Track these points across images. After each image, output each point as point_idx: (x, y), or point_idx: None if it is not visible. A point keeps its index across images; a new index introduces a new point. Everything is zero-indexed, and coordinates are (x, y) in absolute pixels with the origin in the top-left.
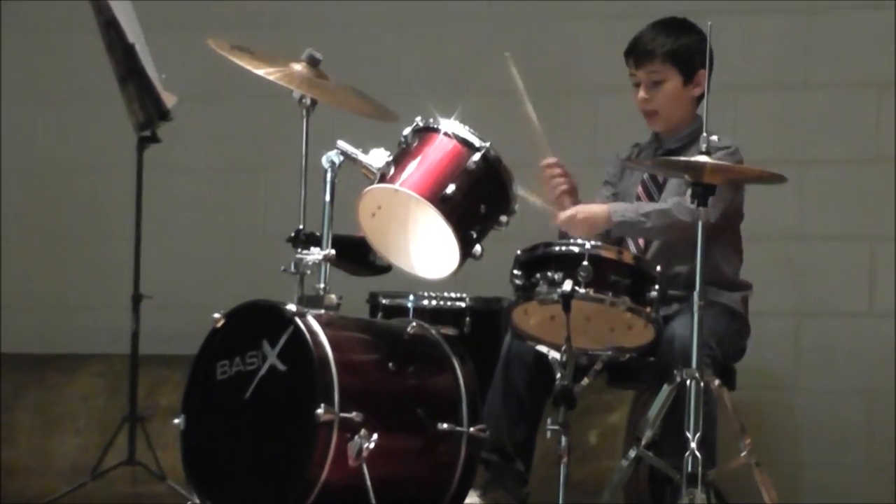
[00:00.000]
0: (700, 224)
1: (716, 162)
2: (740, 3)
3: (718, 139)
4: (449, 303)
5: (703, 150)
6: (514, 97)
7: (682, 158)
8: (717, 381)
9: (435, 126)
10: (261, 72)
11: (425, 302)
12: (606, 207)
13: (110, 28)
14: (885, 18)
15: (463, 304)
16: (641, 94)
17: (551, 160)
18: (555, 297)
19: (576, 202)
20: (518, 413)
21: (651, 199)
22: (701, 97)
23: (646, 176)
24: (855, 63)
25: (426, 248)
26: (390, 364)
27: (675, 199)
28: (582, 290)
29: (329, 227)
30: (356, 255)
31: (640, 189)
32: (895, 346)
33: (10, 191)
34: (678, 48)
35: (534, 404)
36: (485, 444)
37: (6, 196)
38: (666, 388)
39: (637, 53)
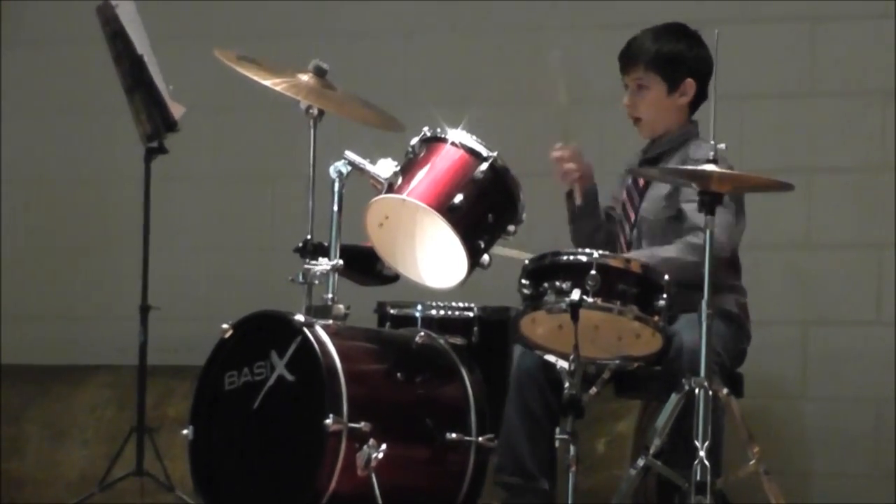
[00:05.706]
0: (707, 233)
1: (723, 170)
2: (747, 12)
3: (697, 147)
4: (457, 312)
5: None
6: (520, 106)
7: (690, 167)
8: (725, 390)
9: (442, 136)
10: (268, 82)
11: (433, 312)
12: None
13: (118, 39)
14: (890, 26)
15: (471, 314)
16: (626, 100)
17: (558, 154)
18: (563, 306)
19: (590, 186)
20: (536, 431)
21: (633, 205)
22: (692, 105)
23: (630, 182)
24: (861, 71)
25: (434, 258)
26: (399, 374)
27: (682, 242)
28: (590, 300)
29: (337, 237)
30: (364, 265)
31: (625, 195)
32: None
33: (18, 202)
34: (662, 55)
35: (550, 420)
36: (504, 468)
37: (14, 207)
38: (674, 397)
39: (624, 58)
